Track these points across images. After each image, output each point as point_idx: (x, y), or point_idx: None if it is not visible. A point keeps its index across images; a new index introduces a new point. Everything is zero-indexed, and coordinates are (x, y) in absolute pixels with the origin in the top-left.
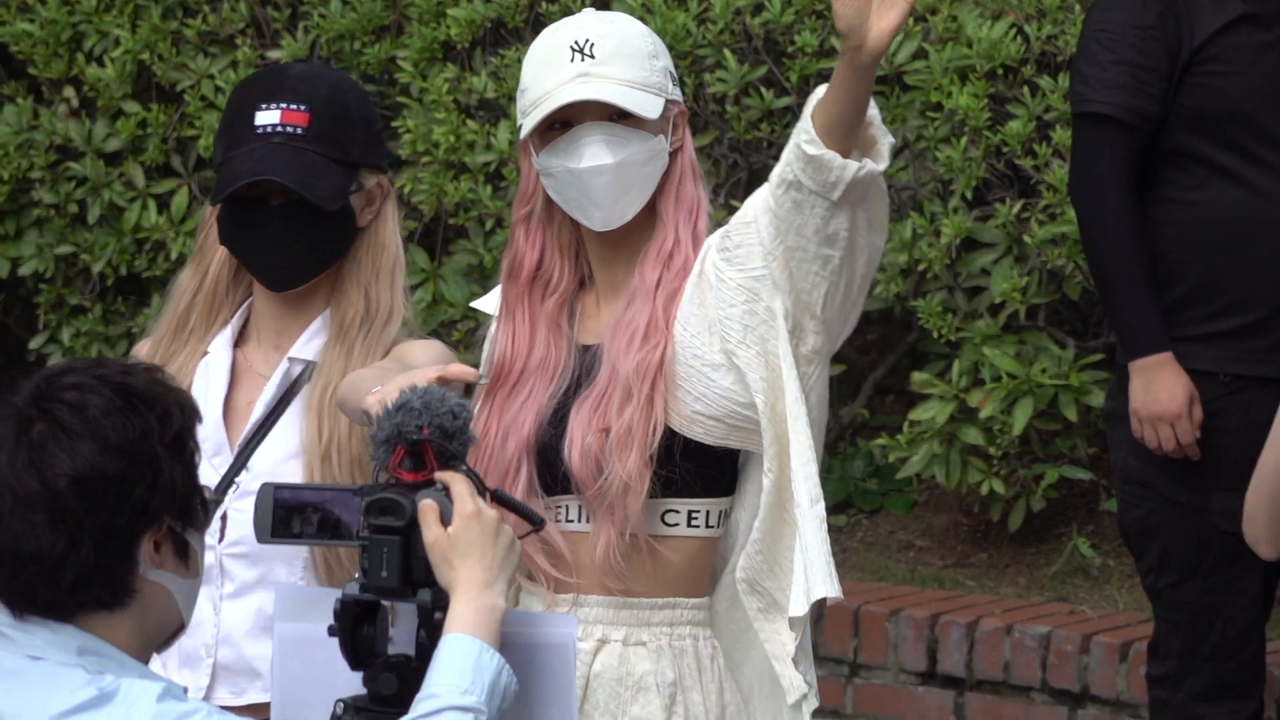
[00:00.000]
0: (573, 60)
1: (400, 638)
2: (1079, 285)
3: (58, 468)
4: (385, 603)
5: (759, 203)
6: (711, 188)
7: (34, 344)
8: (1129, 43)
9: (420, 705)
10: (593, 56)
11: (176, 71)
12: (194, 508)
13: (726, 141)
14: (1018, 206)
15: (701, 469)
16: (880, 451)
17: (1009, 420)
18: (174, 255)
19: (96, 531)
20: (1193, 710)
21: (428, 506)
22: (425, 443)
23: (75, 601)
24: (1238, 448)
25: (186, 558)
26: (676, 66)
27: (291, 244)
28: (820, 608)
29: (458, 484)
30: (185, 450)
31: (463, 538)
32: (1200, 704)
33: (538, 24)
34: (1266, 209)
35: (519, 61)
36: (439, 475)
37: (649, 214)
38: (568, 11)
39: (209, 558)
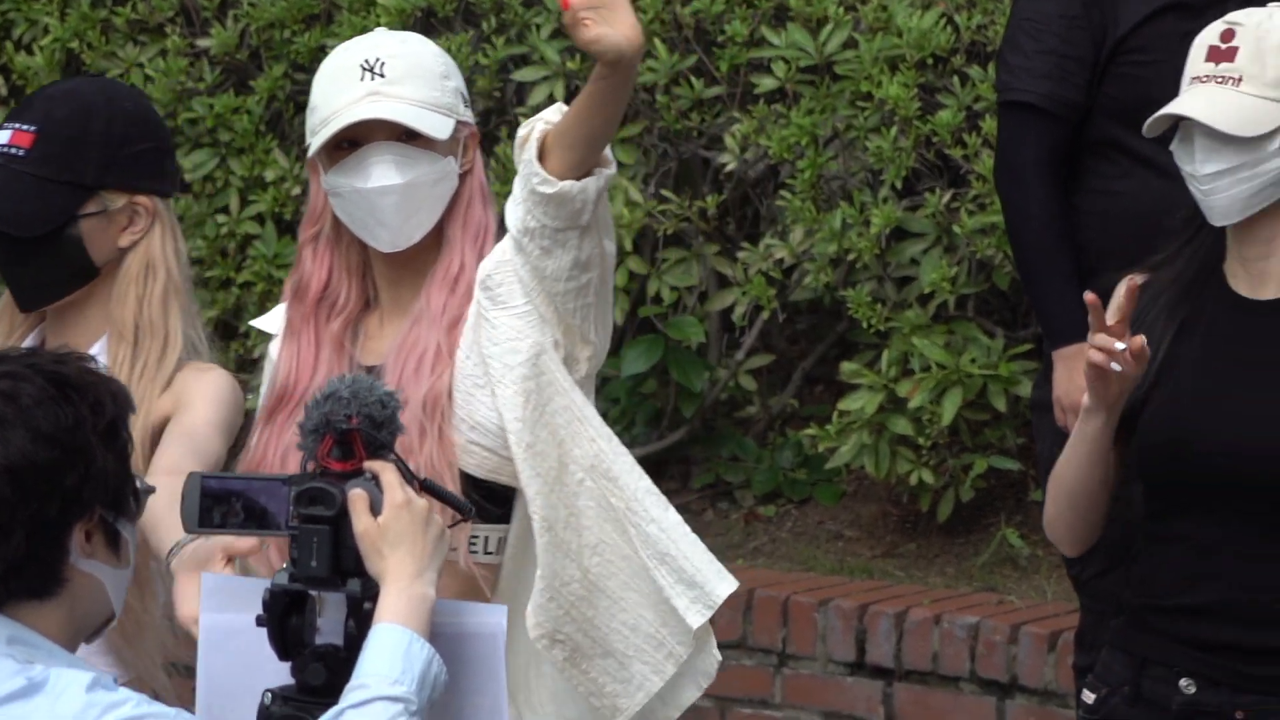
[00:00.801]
0: (362, 79)
1: (327, 628)
2: (1008, 275)
3: None
4: (313, 593)
5: (509, 245)
6: (641, 178)
7: None
8: (1054, 32)
9: (350, 695)
10: (383, 75)
11: (106, 60)
12: (126, 497)
13: (656, 131)
14: (947, 196)
15: (479, 495)
16: (809, 441)
17: (938, 410)
18: None
19: (28, 521)
20: None
21: (357, 496)
22: (354, 432)
23: (5, 590)
24: None
25: (118, 548)
26: None
27: (12, 266)
28: (749, 598)
29: (387, 473)
30: (118, 440)
31: (393, 527)
32: None
33: (468, 14)
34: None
35: (450, 51)
36: (368, 464)
37: (437, 236)
38: (498, 1)
39: None
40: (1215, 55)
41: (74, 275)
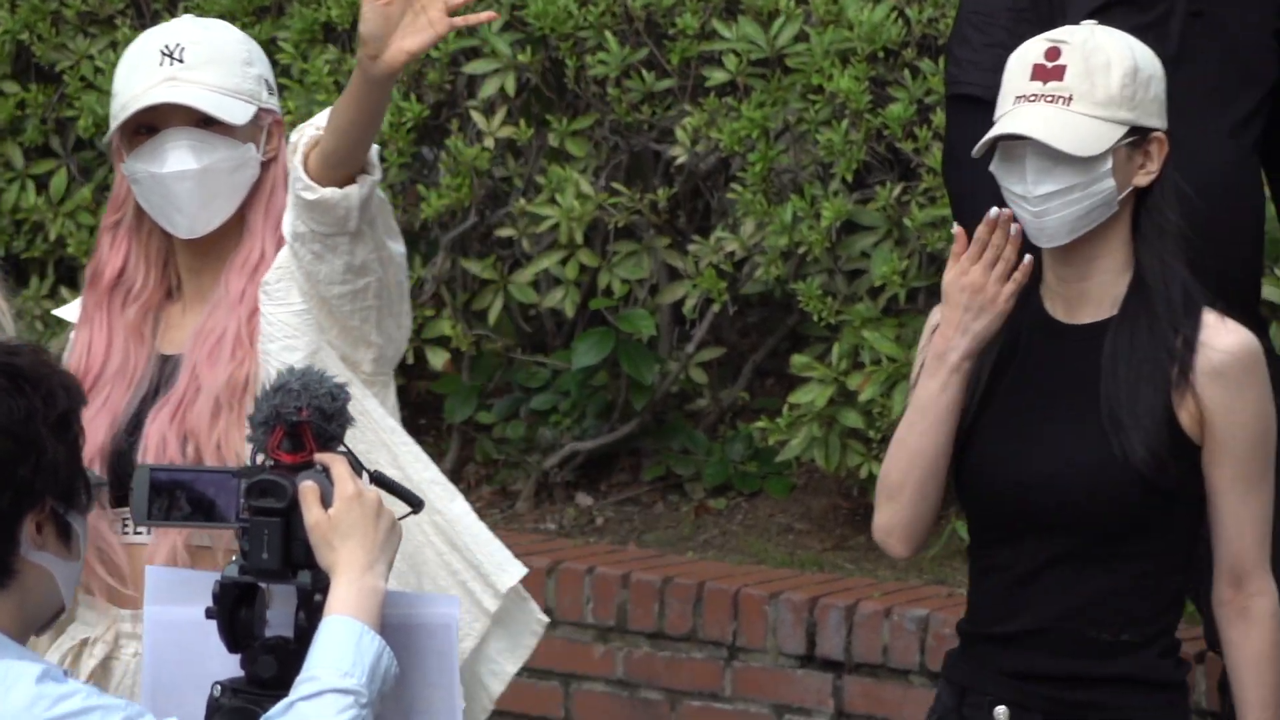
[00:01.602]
0: (161, 64)
1: (275, 620)
2: None
3: None
4: (262, 585)
5: (285, 254)
6: (592, 171)
7: None
8: (1001, 25)
9: (300, 688)
10: (182, 61)
11: (56, 52)
12: (77, 490)
13: (607, 124)
14: (898, 189)
15: None
16: (760, 434)
17: (889, 403)
18: (52, 236)
19: None
20: None
21: (308, 488)
22: (304, 424)
23: None
24: None
25: (69, 540)
26: (558, 48)
27: None
28: (699, 591)
29: (338, 465)
30: (70, 432)
31: (344, 519)
32: None
33: None
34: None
35: None
36: (318, 457)
37: (239, 224)
38: None
39: None
40: (1042, 74)
41: None
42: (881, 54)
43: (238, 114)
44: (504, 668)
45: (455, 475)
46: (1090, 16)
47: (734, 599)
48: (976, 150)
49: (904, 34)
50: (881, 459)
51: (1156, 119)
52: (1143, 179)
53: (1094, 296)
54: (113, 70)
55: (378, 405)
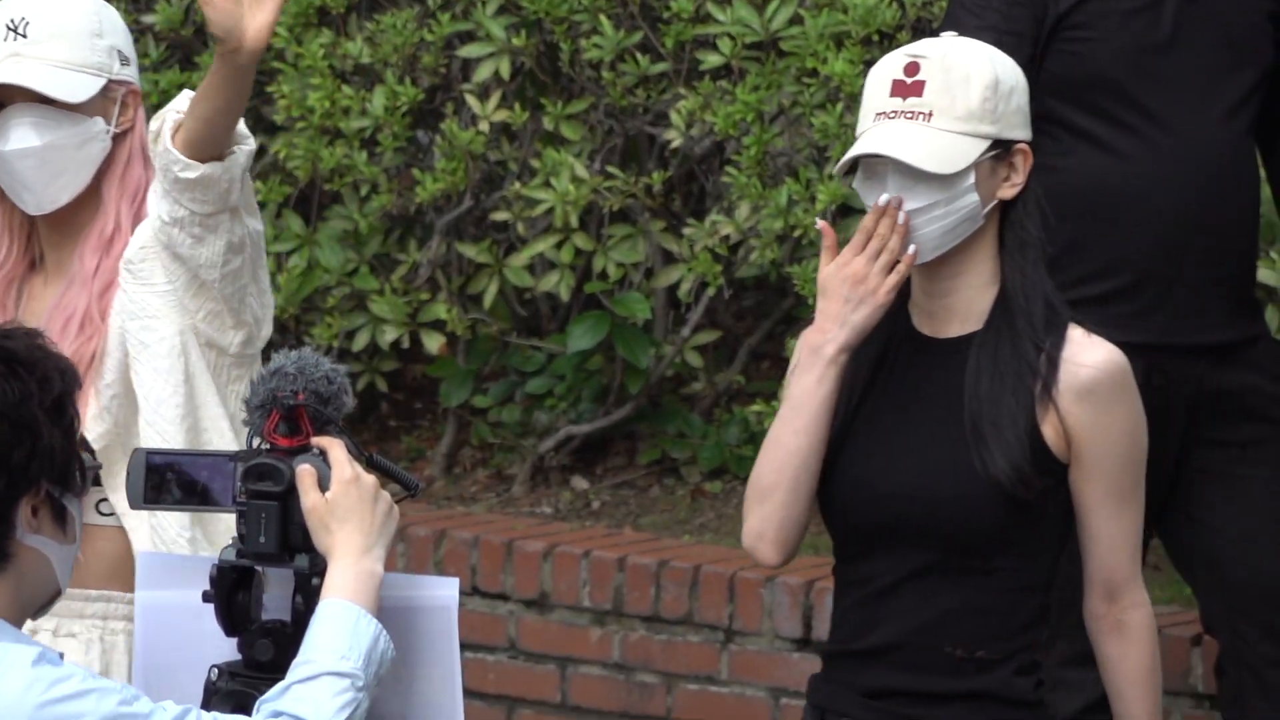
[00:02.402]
0: (6, 39)
1: (271, 604)
2: None
3: None
4: (259, 568)
5: (151, 233)
6: (587, 154)
7: None
8: (994, 8)
9: (296, 670)
10: (25, 36)
11: None
12: (72, 474)
13: (602, 107)
14: None
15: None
16: (755, 418)
17: None
18: None
19: None
20: (1063, 675)
21: (305, 472)
22: (300, 408)
23: None
24: None
25: (64, 523)
26: (553, 32)
27: None
28: (695, 575)
29: (335, 449)
30: (65, 416)
31: (341, 503)
32: (1071, 669)
33: None
34: (1133, 175)
35: (395, 27)
36: (315, 440)
37: (94, 197)
38: None
39: None
40: (901, 90)
41: None
42: (876, 37)
43: (80, 90)
44: None
45: (451, 459)
46: (1082, 1)
47: (730, 582)
48: (836, 170)
49: (898, 17)
50: None
51: (1020, 130)
52: (1008, 191)
53: (959, 311)
54: None
55: (217, 405)
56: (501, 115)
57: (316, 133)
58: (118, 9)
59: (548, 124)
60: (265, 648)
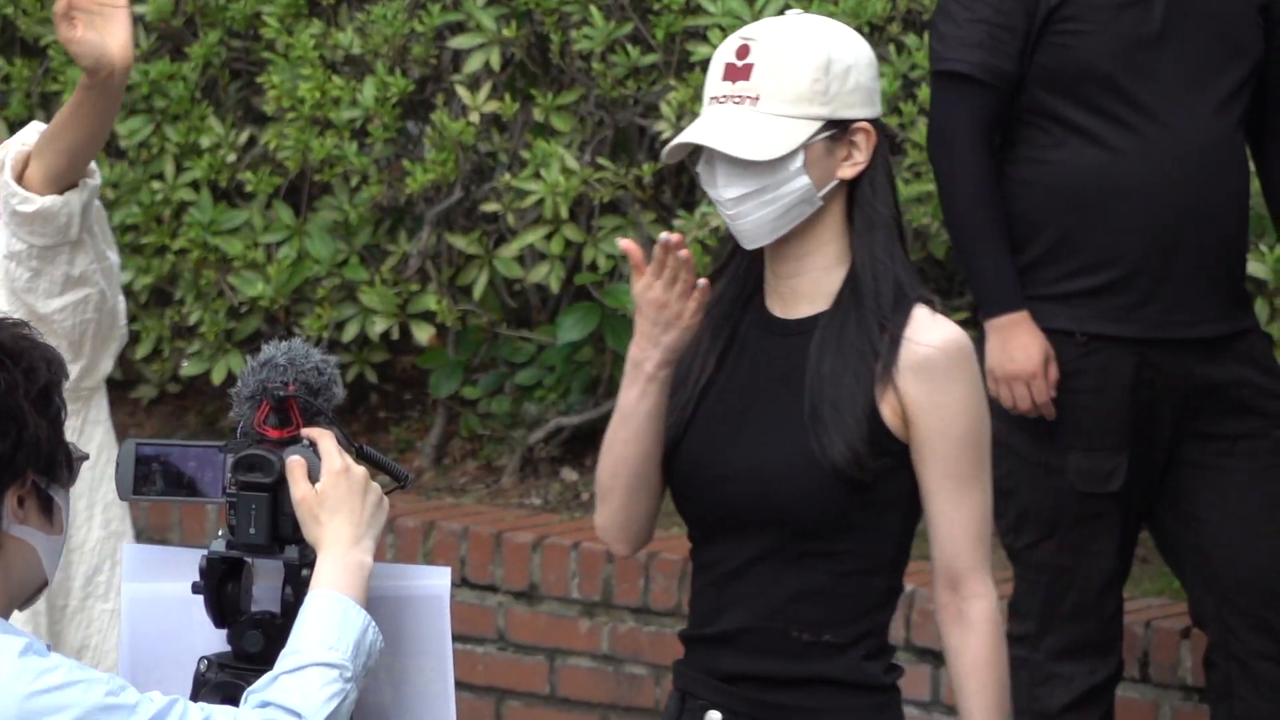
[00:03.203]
0: None
1: (260, 595)
2: (944, 244)
3: None
4: (248, 560)
5: None
6: (577, 145)
7: None
8: (987, 1)
9: (284, 661)
10: None
11: (41, 27)
12: (59, 464)
13: (592, 99)
14: None
15: None
16: None
17: None
18: None
19: None
20: (1052, 669)
21: (296, 463)
22: (290, 399)
23: None
24: (1095, 408)
25: (51, 514)
26: (543, 23)
27: None
28: (684, 566)
29: (325, 440)
30: (51, 406)
31: (330, 494)
32: (1059, 662)
33: None
34: (1123, 168)
35: (385, 17)
36: (305, 431)
37: None
38: None
39: None
40: (732, 73)
41: None
42: (866, 29)
43: None
44: None
45: (440, 450)
46: None
47: None
48: (664, 157)
49: (889, 9)
50: None
51: (861, 109)
52: (848, 171)
53: (807, 292)
54: None
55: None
56: (492, 106)
57: (307, 123)
58: None
59: (538, 115)
60: (255, 639)
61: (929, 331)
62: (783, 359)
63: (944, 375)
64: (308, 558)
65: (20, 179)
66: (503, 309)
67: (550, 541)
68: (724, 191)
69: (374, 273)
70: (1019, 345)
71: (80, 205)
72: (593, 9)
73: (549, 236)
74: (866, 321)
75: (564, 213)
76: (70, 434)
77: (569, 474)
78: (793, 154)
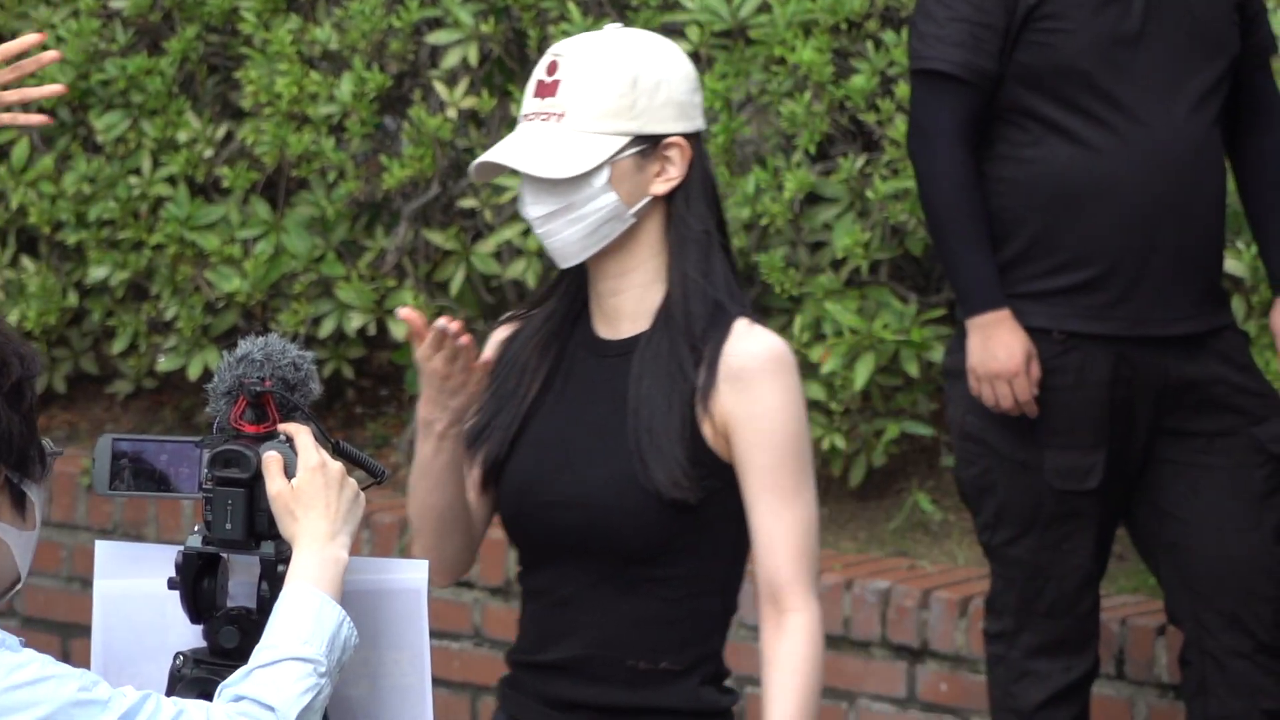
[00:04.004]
0: None
1: (236, 590)
2: (921, 241)
3: None
4: (225, 555)
5: None
6: None
7: None
8: None
9: (259, 656)
10: None
11: (18, 20)
12: (31, 459)
13: None
14: (861, 161)
15: None
16: None
17: (850, 375)
18: (13, 205)
19: None
20: (1028, 666)
21: (272, 458)
22: (267, 394)
23: None
24: (1072, 406)
25: (23, 510)
26: (521, 18)
27: None
28: None
29: (302, 435)
30: (24, 401)
31: (306, 490)
32: (1036, 659)
33: None
34: (1102, 166)
35: (363, 13)
36: (281, 427)
37: None
38: None
39: None
40: (541, 90)
41: None
42: (844, 26)
43: None
44: None
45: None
46: None
47: None
48: (471, 175)
49: (867, 6)
50: (843, 430)
51: (673, 123)
52: (661, 187)
53: (629, 310)
54: (76, 39)
55: None
56: (469, 102)
57: (284, 118)
58: (90, 1)
59: (515, 111)
60: (230, 634)
61: (744, 342)
62: (606, 381)
63: (759, 385)
64: (284, 553)
65: None
66: (480, 305)
67: None
68: (530, 210)
69: (351, 268)
70: (1001, 343)
71: None
72: (570, 5)
73: (526, 232)
74: (677, 343)
75: None
76: None
77: None
78: (596, 170)
